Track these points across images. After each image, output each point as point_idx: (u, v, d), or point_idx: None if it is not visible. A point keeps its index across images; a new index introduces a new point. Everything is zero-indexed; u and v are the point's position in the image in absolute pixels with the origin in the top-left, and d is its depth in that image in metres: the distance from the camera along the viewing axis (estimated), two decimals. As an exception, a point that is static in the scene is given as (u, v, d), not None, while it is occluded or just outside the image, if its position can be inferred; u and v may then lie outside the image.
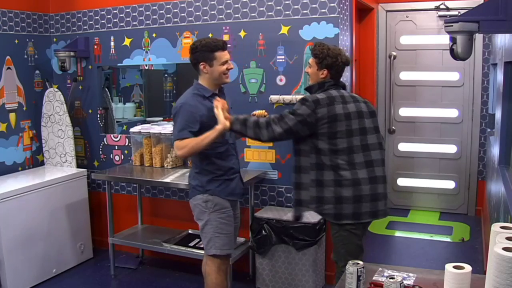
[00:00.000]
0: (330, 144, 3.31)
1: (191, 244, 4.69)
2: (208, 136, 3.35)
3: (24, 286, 4.66)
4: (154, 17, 5.02)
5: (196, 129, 3.42)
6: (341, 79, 3.55)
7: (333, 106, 3.31)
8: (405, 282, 2.28)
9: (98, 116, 5.48)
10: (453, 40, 2.87)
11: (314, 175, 3.36)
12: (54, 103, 5.36)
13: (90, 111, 5.53)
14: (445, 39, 5.09)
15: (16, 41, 5.21)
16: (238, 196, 3.79)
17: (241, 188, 3.83)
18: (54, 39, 5.60)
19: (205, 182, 3.59)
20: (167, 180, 4.52)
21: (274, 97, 4.53)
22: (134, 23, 5.13)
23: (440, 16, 6.12)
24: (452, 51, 2.91)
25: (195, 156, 3.58)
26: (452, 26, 2.81)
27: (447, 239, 5.64)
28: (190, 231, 4.96)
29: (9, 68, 5.13)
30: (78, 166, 5.45)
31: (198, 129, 3.42)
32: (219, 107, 3.35)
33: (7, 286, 4.49)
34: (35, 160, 5.52)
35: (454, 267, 2.16)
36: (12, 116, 5.21)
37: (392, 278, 2.19)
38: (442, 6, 6.09)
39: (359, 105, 3.44)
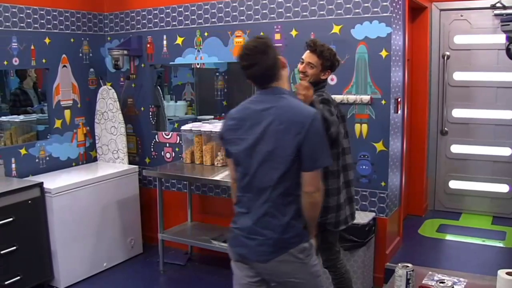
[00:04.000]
0: (337, 147, 3.27)
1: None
2: None
3: (76, 278, 4.78)
4: (206, 16, 5.07)
5: None
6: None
7: (336, 108, 3.31)
8: (455, 287, 2.24)
9: (150, 113, 5.57)
10: (509, 40, 2.81)
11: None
12: (108, 100, 5.48)
13: (142, 108, 5.63)
14: (501, 39, 4.99)
15: (72, 40, 5.34)
16: (240, 257, 2.62)
17: (245, 245, 2.58)
18: (108, 38, 5.72)
19: None
20: (217, 178, 4.56)
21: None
22: (187, 22, 5.19)
23: (496, 15, 5.94)
24: (508, 51, 2.85)
25: None
26: (509, 25, 2.75)
27: (500, 244, 5.49)
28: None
29: (64, 66, 5.27)
30: (130, 162, 5.55)
31: None
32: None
33: (59, 278, 4.62)
34: (89, 156, 5.65)
35: (507, 273, 2.11)
36: (67, 113, 5.35)
37: (443, 283, 2.16)
38: (498, 4, 5.92)
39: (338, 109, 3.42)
